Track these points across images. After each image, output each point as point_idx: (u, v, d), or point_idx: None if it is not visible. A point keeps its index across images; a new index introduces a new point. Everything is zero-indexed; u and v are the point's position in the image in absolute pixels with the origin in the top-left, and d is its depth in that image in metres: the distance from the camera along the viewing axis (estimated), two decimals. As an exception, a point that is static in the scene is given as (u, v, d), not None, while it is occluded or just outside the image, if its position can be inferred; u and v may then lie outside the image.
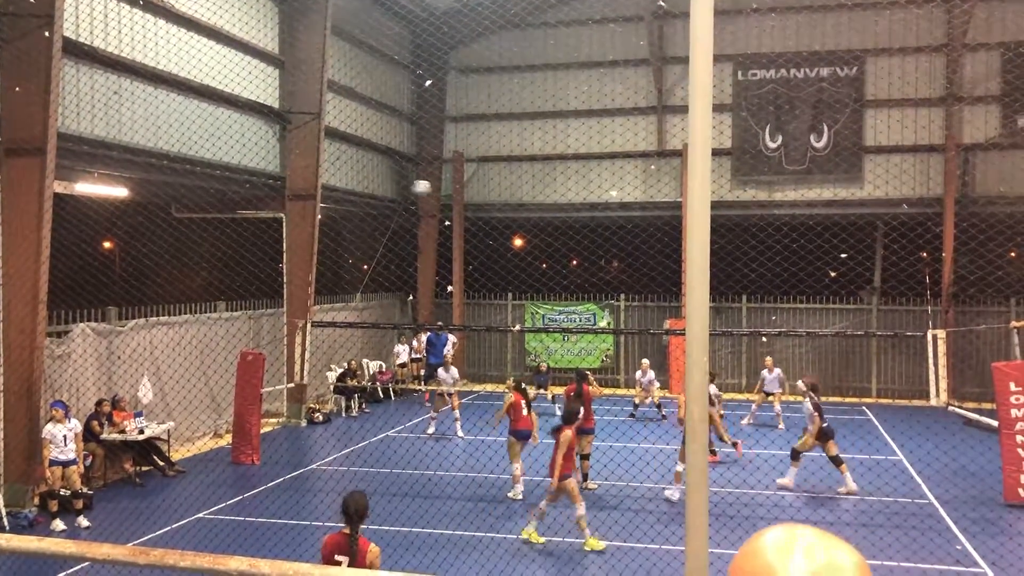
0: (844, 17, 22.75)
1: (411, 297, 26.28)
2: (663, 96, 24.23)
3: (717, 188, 23.13)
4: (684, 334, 3.55)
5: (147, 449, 14.50)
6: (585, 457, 13.22)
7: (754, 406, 19.30)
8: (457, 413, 17.95)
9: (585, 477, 13.25)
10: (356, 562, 5.99)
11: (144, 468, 14.32)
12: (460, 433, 17.71)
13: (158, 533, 11.09)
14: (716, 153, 23.42)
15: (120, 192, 16.22)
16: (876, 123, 22.93)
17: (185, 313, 17.05)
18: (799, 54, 22.82)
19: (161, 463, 14.61)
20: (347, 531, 6.21)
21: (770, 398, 18.99)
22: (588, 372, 14.88)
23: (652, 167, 24.64)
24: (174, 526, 11.46)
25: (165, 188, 17.37)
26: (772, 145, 23.53)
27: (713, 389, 16.51)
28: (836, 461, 13.19)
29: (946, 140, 22.33)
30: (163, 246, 17.29)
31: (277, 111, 18.88)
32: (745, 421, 18.89)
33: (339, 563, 5.98)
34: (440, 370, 18.38)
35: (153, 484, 13.88)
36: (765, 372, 19.21)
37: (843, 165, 23.13)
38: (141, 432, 14.12)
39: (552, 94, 24.79)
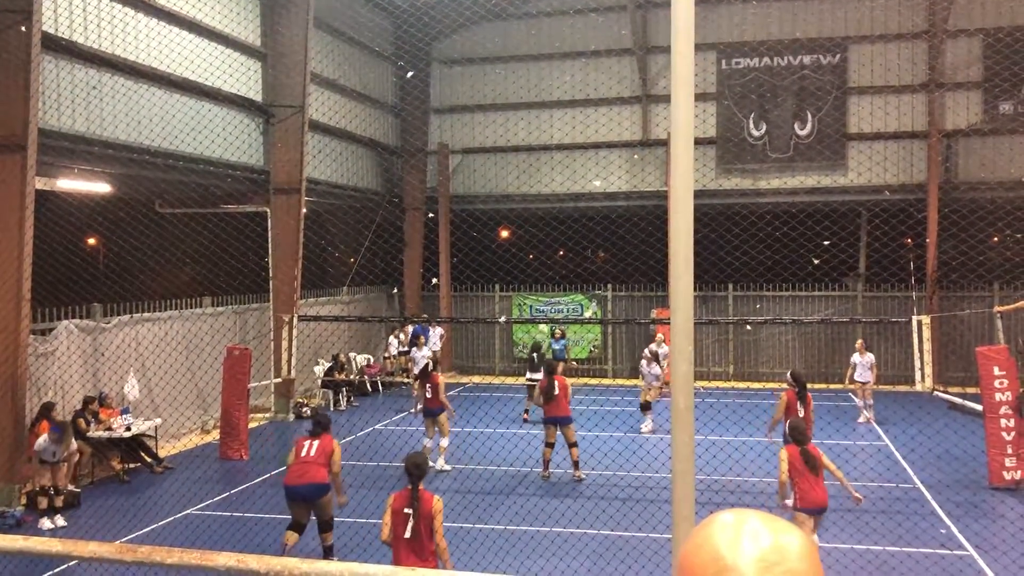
0: (826, 4, 22.81)
1: (395, 290, 26.24)
2: (647, 86, 24.24)
3: (701, 177, 23.17)
4: (670, 323, 3.56)
5: (134, 446, 14.44)
6: (572, 445, 13.23)
7: (857, 401, 18.50)
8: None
9: (575, 465, 13.28)
10: (420, 511, 6.86)
11: (131, 465, 14.26)
12: (418, 408, 18.20)
13: (146, 530, 11.06)
14: (700, 142, 23.46)
15: (102, 188, 16.12)
16: (859, 110, 23.02)
17: (170, 309, 16.97)
18: (782, 42, 22.86)
19: (148, 460, 14.55)
20: (410, 488, 7.07)
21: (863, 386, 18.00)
22: (556, 363, 14.89)
23: (636, 157, 24.66)
24: (162, 523, 11.43)
25: (148, 183, 17.27)
26: (756, 133, 23.59)
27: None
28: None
29: (929, 126, 22.44)
30: (147, 242, 17.18)
31: (260, 104, 18.78)
32: (861, 420, 17.96)
33: (407, 515, 6.89)
34: (414, 349, 18.82)
35: (140, 481, 13.83)
36: (856, 356, 18.21)
37: (827, 152, 23.22)
38: (128, 429, 14.06)
39: (536, 85, 24.75)
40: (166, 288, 18.43)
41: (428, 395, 13.93)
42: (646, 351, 18.08)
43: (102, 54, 14.14)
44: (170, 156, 15.86)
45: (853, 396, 18.93)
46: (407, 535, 6.82)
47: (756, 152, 23.61)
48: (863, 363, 17.92)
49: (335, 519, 9.84)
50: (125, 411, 14.49)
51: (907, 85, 22.64)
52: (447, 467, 13.93)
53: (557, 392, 13.21)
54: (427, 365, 14.90)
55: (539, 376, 16.39)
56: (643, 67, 24.14)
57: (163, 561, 3.34)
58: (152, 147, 15.34)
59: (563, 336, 21.36)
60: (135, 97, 14.99)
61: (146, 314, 16.24)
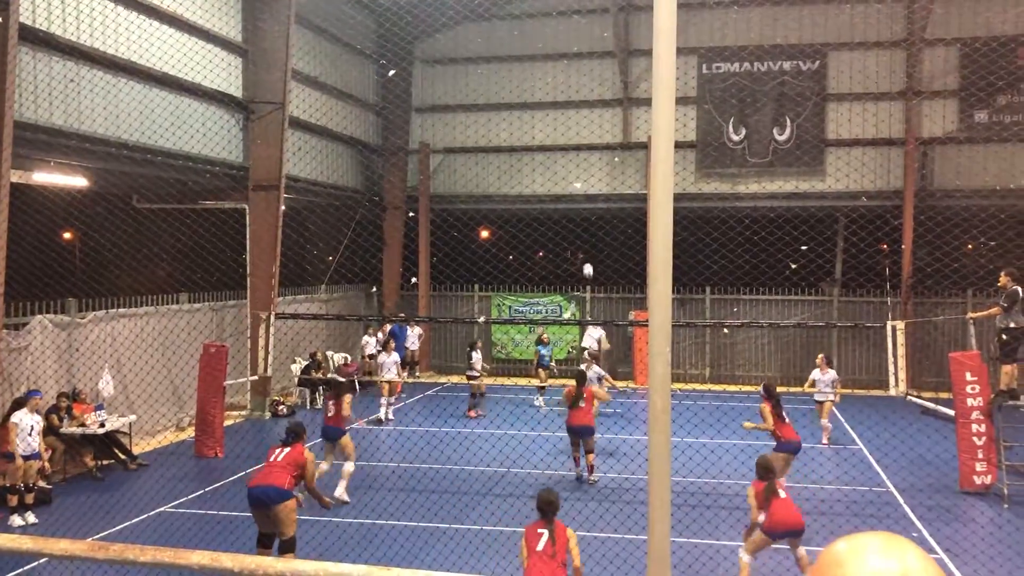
0: (806, 11, 22.99)
1: (374, 288, 26.14)
2: (628, 88, 24.33)
3: (681, 181, 23.30)
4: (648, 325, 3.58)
5: (108, 443, 14.32)
6: (589, 452, 13.32)
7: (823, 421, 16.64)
8: (392, 399, 18.68)
9: (591, 470, 13.39)
10: (556, 542, 7.02)
11: (105, 462, 14.14)
12: (388, 416, 18.41)
13: (119, 528, 10.96)
14: (680, 146, 23.59)
15: (79, 182, 15.96)
16: (838, 116, 23.23)
17: (147, 305, 16.83)
18: (762, 48, 23.02)
19: (122, 457, 14.43)
20: (543, 522, 7.20)
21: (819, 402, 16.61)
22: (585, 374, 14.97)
23: (616, 159, 24.74)
24: (136, 520, 11.34)
25: (126, 178, 17.11)
26: (736, 138, 23.74)
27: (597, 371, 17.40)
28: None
29: (906, 134, 22.68)
30: (124, 237, 17.03)
31: (240, 100, 18.67)
32: (824, 441, 16.42)
33: (540, 534, 7.07)
34: (382, 354, 18.60)
35: (114, 478, 13.71)
36: (816, 373, 16.72)
37: (805, 158, 23.40)
38: (102, 425, 13.93)
39: (518, 86, 24.79)
40: (143, 284, 18.28)
41: (330, 413, 12.45)
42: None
43: (81, 47, 14.01)
44: (148, 151, 15.73)
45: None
46: (538, 547, 7.01)
47: (735, 156, 23.75)
48: (824, 380, 16.44)
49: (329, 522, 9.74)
50: (99, 407, 14.35)
51: (885, 92, 22.87)
52: (347, 498, 12.20)
53: (583, 403, 13.32)
54: (344, 383, 13.05)
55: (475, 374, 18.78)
56: (625, 70, 24.22)
57: (136, 559, 3.31)
58: (130, 141, 15.21)
59: (548, 342, 21.41)
60: (113, 91, 14.86)
61: (122, 310, 16.10)
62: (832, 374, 16.58)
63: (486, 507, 11.92)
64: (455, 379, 23.13)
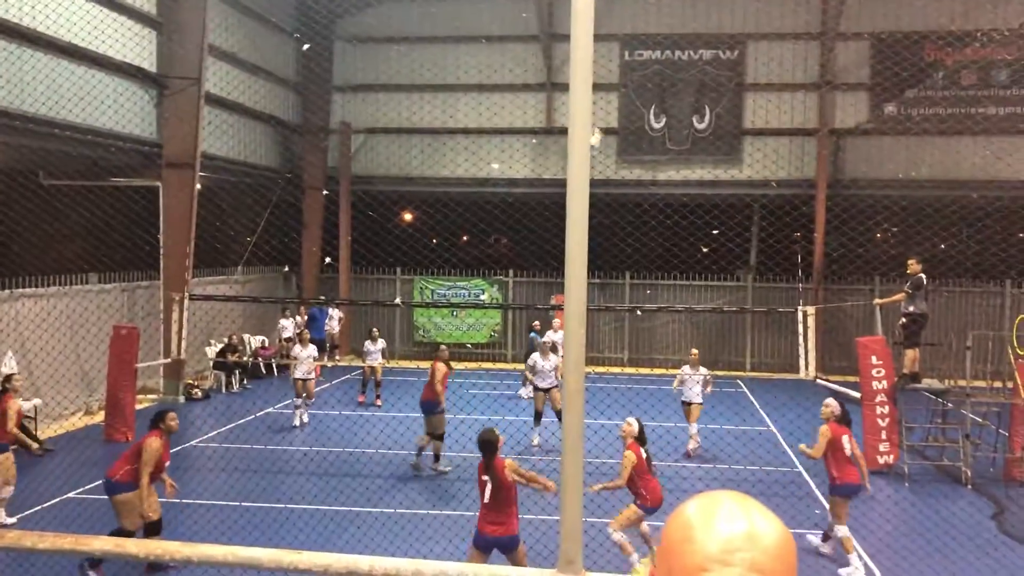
0: (726, 1, 23.36)
1: (286, 268, 25.69)
2: (552, 73, 24.39)
3: (602, 167, 23.52)
4: (562, 308, 3.60)
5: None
6: (438, 437, 13.00)
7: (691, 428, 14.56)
8: (308, 402, 16.61)
9: (436, 458, 13.03)
10: (498, 479, 7.62)
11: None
12: (304, 421, 16.38)
13: (24, 515, 10.61)
14: (603, 132, 23.78)
15: (-20, 156, 15.27)
16: (755, 106, 23.72)
17: (54, 285, 16.24)
18: (684, 36, 23.33)
19: (28, 441, 13.90)
20: (483, 465, 7.84)
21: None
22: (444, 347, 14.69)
23: (534, 141, 24.80)
24: (41, 507, 10.98)
25: (31, 153, 16.42)
26: (656, 125, 24.04)
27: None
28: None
29: (819, 124, 23.31)
30: (29, 215, 16.36)
31: (153, 75, 18.09)
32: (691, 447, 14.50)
33: (485, 481, 7.71)
34: (297, 346, 16.67)
35: (19, 463, 13.18)
36: (687, 369, 14.64)
37: (723, 147, 23.86)
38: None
39: (441, 67, 24.61)
40: (49, 263, 17.61)
41: None
42: (542, 340, 16.21)
43: (-19, 14, 13.37)
44: (55, 125, 15.12)
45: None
46: (486, 500, 7.64)
47: (655, 144, 24.07)
48: (695, 378, 14.42)
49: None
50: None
51: (800, 83, 23.45)
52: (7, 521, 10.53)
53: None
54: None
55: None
56: (548, 54, 24.27)
57: (34, 547, 3.21)
58: (35, 115, 14.60)
59: (540, 330, 20.05)
60: (17, 62, 14.22)
61: (26, 289, 15.50)
62: (703, 371, 14.54)
63: (410, 490, 11.90)
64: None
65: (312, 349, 16.46)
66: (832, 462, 9.41)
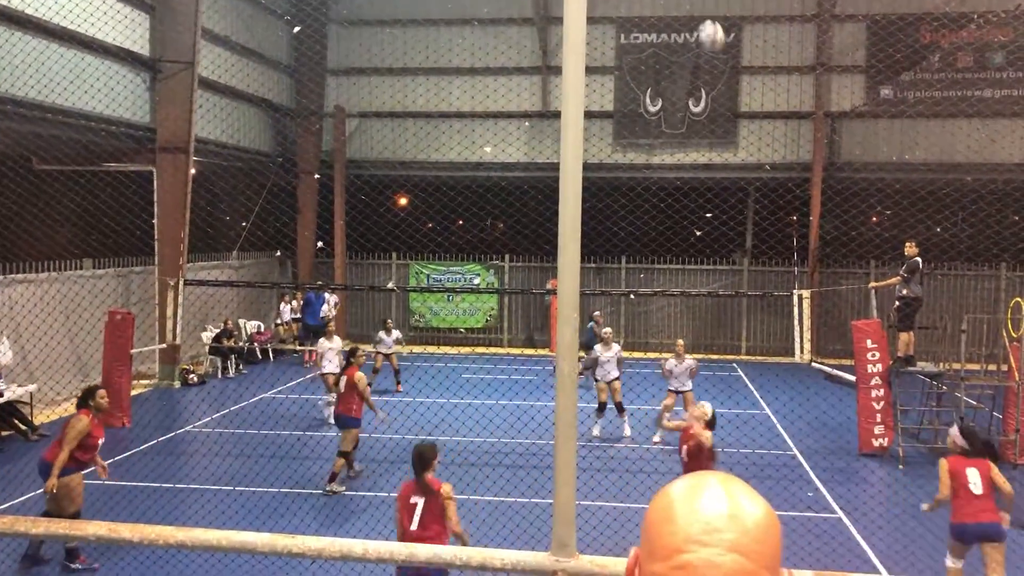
0: (722, -16, 23.23)
1: (278, 252, 25.59)
2: (547, 56, 24.29)
3: (598, 151, 23.47)
4: (556, 291, 3.60)
5: (7, 412, 13.79)
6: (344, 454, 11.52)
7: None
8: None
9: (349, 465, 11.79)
10: (428, 500, 6.47)
11: (4, 433, 13.63)
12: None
13: (19, 500, 10.60)
14: (599, 116, 23.75)
15: (-28, 141, 15.19)
16: (751, 89, 23.66)
17: (48, 270, 16.20)
18: (679, 19, 23.23)
19: (22, 427, 13.93)
20: (414, 484, 6.66)
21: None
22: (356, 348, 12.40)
23: (527, 124, 24.72)
24: (36, 493, 10.95)
25: (23, 138, 16.33)
26: (652, 109, 23.97)
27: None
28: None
29: (815, 107, 23.26)
30: (23, 200, 16.28)
31: (146, 59, 17.98)
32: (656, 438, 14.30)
33: (414, 504, 6.48)
34: (322, 340, 16.04)
35: (14, 449, 13.22)
36: (672, 362, 14.02)
37: (719, 130, 23.80)
38: (0, 395, 13.41)
39: (435, 51, 24.49)
40: (43, 249, 17.55)
41: None
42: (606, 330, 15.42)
43: (-29, -3, 13.26)
44: (48, 110, 15.03)
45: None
46: (413, 527, 6.41)
47: (651, 127, 24.01)
48: (681, 369, 13.93)
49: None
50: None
51: (796, 66, 23.38)
52: None
53: (343, 388, 11.64)
54: None
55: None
56: (544, 37, 24.17)
57: (28, 532, 3.20)
58: (28, 99, 14.51)
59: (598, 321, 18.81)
60: (7, 46, 14.12)
61: (20, 275, 15.46)
62: (690, 362, 14.00)
63: (394, 474, 11.91)
64: (370, 347, 22.91)
65: (337, 341, 15.70)
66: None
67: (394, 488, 11.24)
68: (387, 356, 18.34)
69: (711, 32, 12.92)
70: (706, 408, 8.86)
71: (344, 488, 11.36)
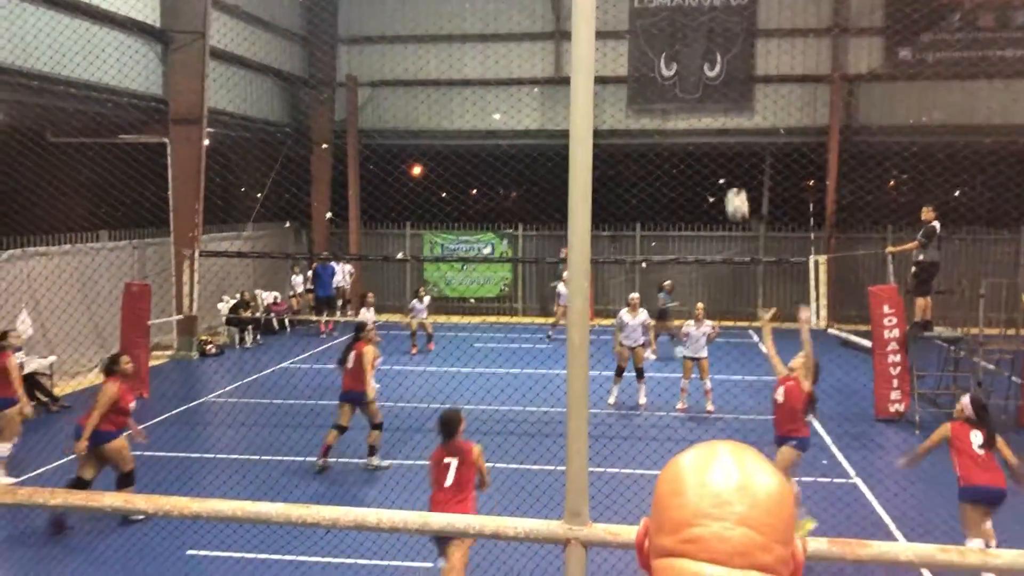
0: (738, -55, 22.86)
1: (286, 223, 25.55)
2: (560, 22, 24.04)
3: (610, 117, 23.28)
4: (567, 261, 3.57)
5: (28, 384, 13.92)
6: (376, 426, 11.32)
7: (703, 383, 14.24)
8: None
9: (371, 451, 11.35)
10: (462, 461, 6.99)
11: (25, 405, 13.77)
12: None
13: (41, 470, 10.76)
14: (612, 81, 23.53)
15: (-14, 115, 15.24)
16: (767, 53, 23.35)
17: (65, 243, 16.30)
18: (694, -18, 22.91)
19: (44, 399, 14.10)
20: (444, 449, 7.12)
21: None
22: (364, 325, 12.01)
23: (536, 91, 24.51)
24: (58, 463, 11.11)
25: (38, 111, 16.37)
26: (667, 73, 23.71)
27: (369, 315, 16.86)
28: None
29: (832, 71, 22.95)
30: (38, 173, 16.35)
31: (158, 30, 17.92)
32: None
33: (447, 464, 7.00)
34: (363, 311, 17.45)
35: (36, 420, 13.33)
36: (691, 325, 14.21)
37: (734, 95, 23.54)
38: (21, 367, 13.53)
39: (447, 20, 24.28)
40: (60, 222, 17.65)
41: None
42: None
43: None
44: (61, 82, 15.04)
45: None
46: (447, 484, 6.99)
47: (666, 92, 23.76)
48: (697, 335, 13.97)
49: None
50: (18, 349, 13.92)
51: (813, 29, 23.04)
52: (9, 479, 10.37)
53: (351, 363, 11.35)
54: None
55: None
56: (556, 3, 23.91)
57: (45, 503, 3.24)
58: (39, 71, 14.51)
59: (671, 289, 19.30)
60: (20, 19, 14.10)
61: (38, 248, 15.57)
62: (707, 327, 14.06)
63: (419, 441, 12.00)
64: (385, 317, 23.01)
65: (372, 313, 17.26)
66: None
67: (407, 457, 11.36)
68: (420, 322, 19.28)
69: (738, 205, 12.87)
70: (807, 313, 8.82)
71: (388, 463, 11.10)
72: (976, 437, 7.66)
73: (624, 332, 14.30)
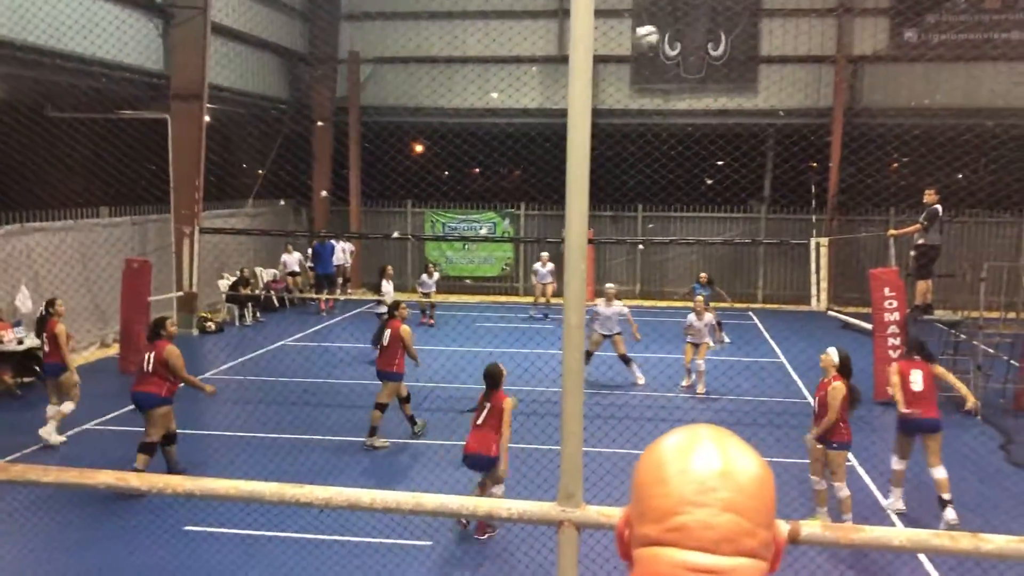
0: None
1: (281, 201, 25.41)
2: (563, 0, 23.86)
3: (609, 97, 23.17)
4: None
5: (27, 360, 13.96)
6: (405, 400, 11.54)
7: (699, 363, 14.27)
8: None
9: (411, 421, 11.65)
10: (493, 406, 8.38)
11: (25, 380, 13.82)
12: None
13: (40, 446, 10.78)
14: (616, 60, 23.39)
15: (-15, 89, 15.16)
16: (771, 33, 23.17)
17: (65, 219, 16.26)
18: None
19: (43, 374, 14.10)
20: (483, 395, 8.58)
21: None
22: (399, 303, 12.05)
23: (534, 69, 24.37)
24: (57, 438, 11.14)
25: (36, 86, 16.28)
26: (671, 53, 23.56)
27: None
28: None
29: (837, 51, 22.79)
30: (37, 148, 16.29)
31: (159, 4, 17.80)
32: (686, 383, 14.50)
33: (484, 406, 8.47)
34: (384, 283, 17.60)
35: (35, 396, 13.40)
36: (692, 317, 14.16)
37: (737, 75, 23.39)
38: (20, 343, 13.58)
39: (450, -4, 24.11)
40: (59, 197, 17.61)
41: (47, 348, 11.12)
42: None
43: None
44: (60, 56, 14.95)
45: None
46: (479, 422, 8.39)
47: (669, 72, 23.61)
48: (700, 327, 14.12)
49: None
50: (17, 324, 13.95)
51: (817, 8, 22.86)
52: (60, 438, 11.05)
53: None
54: (45, 317, 11.41)
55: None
56: (560, -20, 23.74)
57: (38, 480, 3.23)
58: (38, 45, 14.42)
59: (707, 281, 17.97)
60: (18, -8, 14.00)
61: (38, 223, 15.54)
62: (709, 317, 14.24)
63: (405, 423, 12.02)
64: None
65: (391, 288, 17.72)
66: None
67: (407, 435, 11.39)
68: (426, 295, 20.12)
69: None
70: (831, 354, 8.81)
71: (388, 444, 11.10)
72: (916, 375, 9.07)
73: (598, 321, 14.27)
